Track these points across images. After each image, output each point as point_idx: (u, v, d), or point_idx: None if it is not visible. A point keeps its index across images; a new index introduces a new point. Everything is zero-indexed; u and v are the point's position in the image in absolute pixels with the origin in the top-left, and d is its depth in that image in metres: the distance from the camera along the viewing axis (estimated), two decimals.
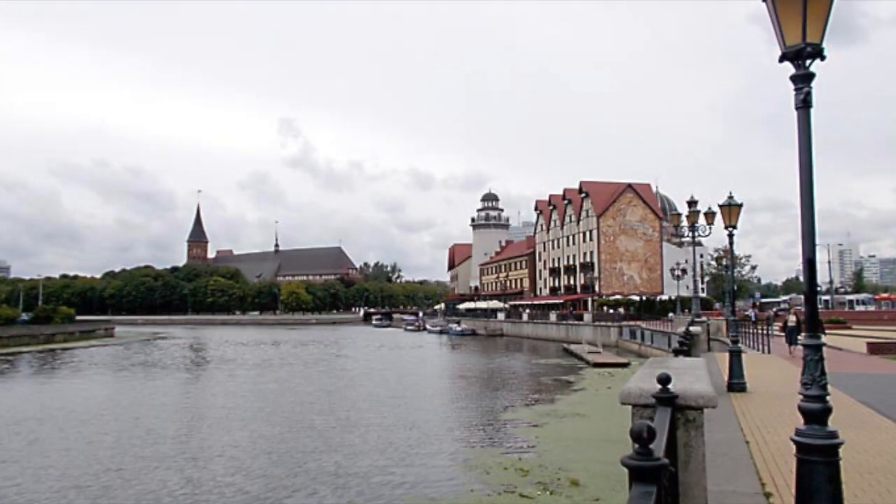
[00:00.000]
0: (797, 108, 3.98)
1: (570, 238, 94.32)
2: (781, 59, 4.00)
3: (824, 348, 4.01)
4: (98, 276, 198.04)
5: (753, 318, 36.85)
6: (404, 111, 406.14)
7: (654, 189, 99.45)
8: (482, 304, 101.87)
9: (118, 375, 38.72)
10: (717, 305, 71.29)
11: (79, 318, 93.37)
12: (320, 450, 17.60)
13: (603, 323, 62.33)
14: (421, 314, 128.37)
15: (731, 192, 13.60)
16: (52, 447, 18.35)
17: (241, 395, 29.36)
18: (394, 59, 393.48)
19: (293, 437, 19.46)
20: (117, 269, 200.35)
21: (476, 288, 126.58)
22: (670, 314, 54.73)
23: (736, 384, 13.14)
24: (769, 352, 22.95)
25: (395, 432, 19.89)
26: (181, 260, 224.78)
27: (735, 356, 13.35)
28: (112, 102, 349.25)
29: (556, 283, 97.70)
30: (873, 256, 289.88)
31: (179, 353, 58.13)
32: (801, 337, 4.18)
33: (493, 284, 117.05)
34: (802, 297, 4.52)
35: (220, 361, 49.11)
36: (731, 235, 14.14)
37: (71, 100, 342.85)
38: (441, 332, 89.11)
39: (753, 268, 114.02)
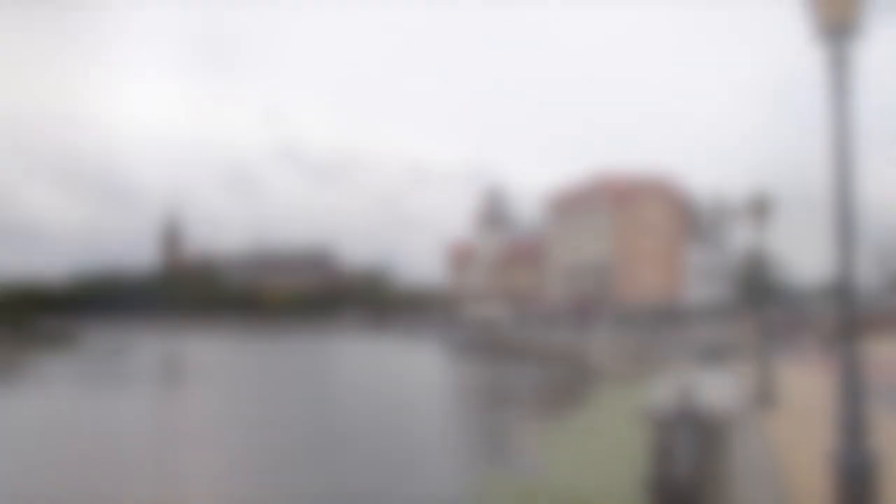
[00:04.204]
0: (836, 93, 3.99)
1: (583, 237, 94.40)
2: (818, 38, 4.01)
3: (864, 357, 4.01)
4: (60, 278, 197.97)
5: (786, 324, 36.89)
6: (401, 97, 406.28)
7: (675, 183, 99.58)
8: (485, 310, 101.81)
9: (81, 390, 38.68)
10: (746, 310, 71.32)
11: (37, 324, 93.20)
12: (305, 469, 17.59)
13: (619, 330, 62.37)
14: (418, 321, 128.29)
15: (761, 186, 13.62)
16: (1, 470, 18.30)
17: (217, 411, 29.38)
18: (389, 41, 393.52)
19: (275, 455, 19.45)
20: (81, 271, 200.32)
21: (478, 291, 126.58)
22: (694, 320, 54.78)
23: (765, 397, 13.17)
24: (803, 361, 22.98)
25: (387, 451, 19.89)
26: (151, 261, 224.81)
27: (765, 366, 13.37)
28: (78, 87, 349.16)
29: (568, 287, 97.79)
30: None
31: (149, 365, 58.10)
32: (839, 345, 4.19)
33: (498, 287, 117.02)
34: (840, 300, 4.52)
35: (195, 374, 49.07)
36: (761, 233, 14.16)
37: (31, 82, 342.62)
38: (439, 341, 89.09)
39: (786, 269, 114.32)
